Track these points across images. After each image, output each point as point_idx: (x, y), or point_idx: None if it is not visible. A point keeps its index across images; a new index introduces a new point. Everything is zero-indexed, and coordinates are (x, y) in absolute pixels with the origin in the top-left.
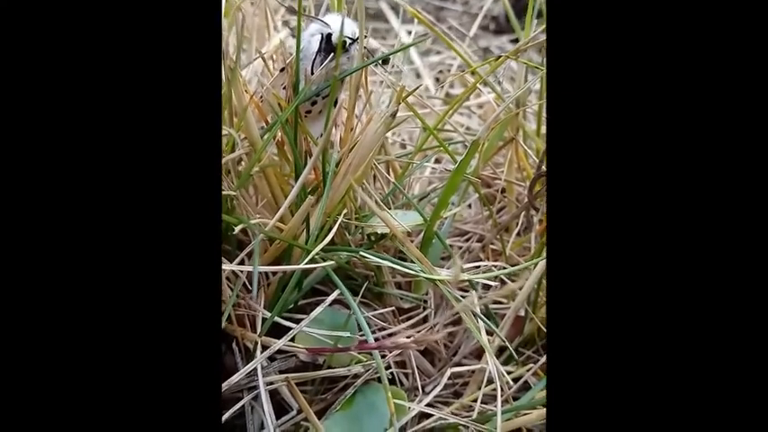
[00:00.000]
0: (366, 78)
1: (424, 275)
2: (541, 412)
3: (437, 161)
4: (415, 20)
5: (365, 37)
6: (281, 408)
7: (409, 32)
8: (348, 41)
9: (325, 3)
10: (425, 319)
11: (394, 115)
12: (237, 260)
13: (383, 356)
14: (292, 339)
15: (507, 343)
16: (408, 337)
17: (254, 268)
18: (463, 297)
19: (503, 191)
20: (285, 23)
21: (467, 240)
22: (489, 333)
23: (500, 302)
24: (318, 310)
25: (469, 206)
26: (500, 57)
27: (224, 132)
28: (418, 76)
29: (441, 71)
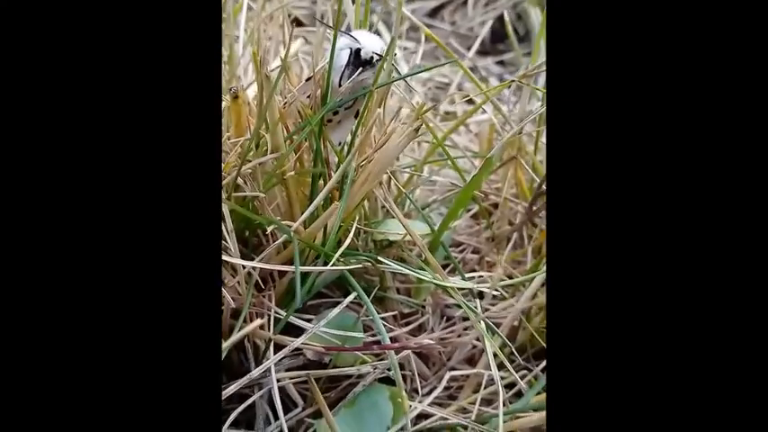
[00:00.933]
0: (389, 92)
1: (443, 284)
2: (540, 415)
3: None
4: (404, 36)
5: (395, 54)
6: (283, 404)
7: (404, 48)
8: (376, 57)
9: (350, 16)
10: (422, 324)
11: (418, 129)
12: (259, 258)
13: (382, 358)
14: None
15: (516, 354)
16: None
17: (296, 268)
18: (461, 305)
19: (496, 205)
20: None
21: (461, 251)
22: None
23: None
24: (336, 311)
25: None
26: (513, 81)
27: (254, 137)
28: (411, 91)
29: (429, 87)
